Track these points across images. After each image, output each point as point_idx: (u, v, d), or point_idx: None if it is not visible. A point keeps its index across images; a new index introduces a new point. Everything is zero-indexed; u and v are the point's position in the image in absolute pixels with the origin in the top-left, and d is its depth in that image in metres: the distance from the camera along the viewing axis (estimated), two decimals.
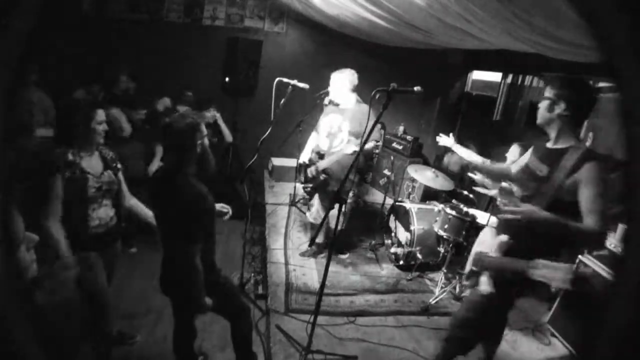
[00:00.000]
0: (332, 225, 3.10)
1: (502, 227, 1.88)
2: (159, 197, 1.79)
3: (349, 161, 2.72)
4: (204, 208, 1.71)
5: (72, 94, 3.49)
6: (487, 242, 1.89)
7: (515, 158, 3.15)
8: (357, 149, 2.73)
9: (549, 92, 1.72)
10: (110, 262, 2.18)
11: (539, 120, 1.79)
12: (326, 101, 3.27)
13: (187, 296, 1.78)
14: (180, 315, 2.01)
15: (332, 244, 2.09)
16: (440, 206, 3.38)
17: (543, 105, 1.75)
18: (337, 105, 3.21)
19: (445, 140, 3.06)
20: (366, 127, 2.01)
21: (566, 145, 1.71)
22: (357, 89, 3.17)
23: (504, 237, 1.82)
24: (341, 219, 2.50)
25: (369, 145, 3.07)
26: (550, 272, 1.61)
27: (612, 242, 2.66)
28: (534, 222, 1.63)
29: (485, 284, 1.84)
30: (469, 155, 3.02)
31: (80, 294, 1.94)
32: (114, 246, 2.19)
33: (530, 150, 1.98)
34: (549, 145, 1.79)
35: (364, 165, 3.40)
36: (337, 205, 2.00)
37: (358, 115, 3.05)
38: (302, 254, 3.56)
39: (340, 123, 3.22)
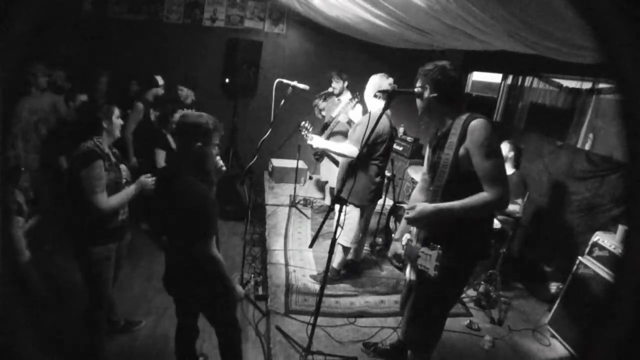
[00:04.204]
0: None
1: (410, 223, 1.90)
2: (163, 199, 1.77)
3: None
4: (212, 205, 1.73)
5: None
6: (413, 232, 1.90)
7: (505, 155, 3.16)
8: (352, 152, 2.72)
9: (415, 87, 1.79)
10: (122, 253, 2.26)
11: (419, 113, 1.84)
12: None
13: (218, 289, 1.79)
14: (184, 315, 1.98)
15: (333, 242, 2.09)
16: None
17: (417, 99, 1.81)
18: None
19: None
20: (366, 128, 2.01)
21: (450, 123, 1.73)
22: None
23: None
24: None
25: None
26: (425, 260, 1.69)
27: (612, 243, 2.66)
28: (426, 218, 1.69)
29: (408, 273, 1.87)
30: None
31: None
32: (126, 237, 2.27)
33: (427, 146, 2.00)
34: (439, 133, 1.81)
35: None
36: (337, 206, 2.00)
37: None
38: (314, 278, 3.25)
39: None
